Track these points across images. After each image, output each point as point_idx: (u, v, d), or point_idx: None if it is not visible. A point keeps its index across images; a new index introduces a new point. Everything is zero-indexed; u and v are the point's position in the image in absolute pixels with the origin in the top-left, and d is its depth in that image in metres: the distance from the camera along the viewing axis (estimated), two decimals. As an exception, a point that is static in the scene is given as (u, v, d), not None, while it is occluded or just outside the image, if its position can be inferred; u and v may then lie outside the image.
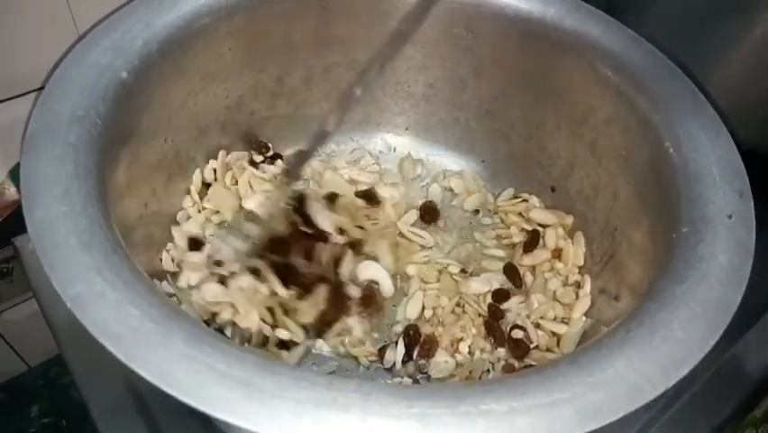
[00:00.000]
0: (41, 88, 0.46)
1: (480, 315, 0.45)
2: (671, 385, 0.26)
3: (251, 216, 0.46)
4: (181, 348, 0.24)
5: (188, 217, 0.46)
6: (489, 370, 0.43)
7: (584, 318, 0.43)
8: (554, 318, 0.44)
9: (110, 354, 0.41)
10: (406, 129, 0.55)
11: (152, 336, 0.25)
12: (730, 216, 0.33)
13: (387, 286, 0.46)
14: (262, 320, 0.41)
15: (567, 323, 0.43)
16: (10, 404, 0.63)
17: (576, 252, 0.46)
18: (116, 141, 0.36)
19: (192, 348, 0.24)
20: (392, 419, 0.23)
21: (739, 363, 0.45)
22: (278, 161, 0.51)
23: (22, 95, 0.46)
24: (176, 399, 0.41)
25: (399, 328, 0.45)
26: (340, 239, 0.46)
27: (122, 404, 0.40)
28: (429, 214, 0.51)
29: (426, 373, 0.43)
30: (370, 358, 0.43)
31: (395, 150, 0.56)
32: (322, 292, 0.43)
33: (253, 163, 0.50)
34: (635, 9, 0.52)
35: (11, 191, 0.49)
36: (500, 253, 0.49)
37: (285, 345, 0.42)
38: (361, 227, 0.48)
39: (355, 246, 0.47)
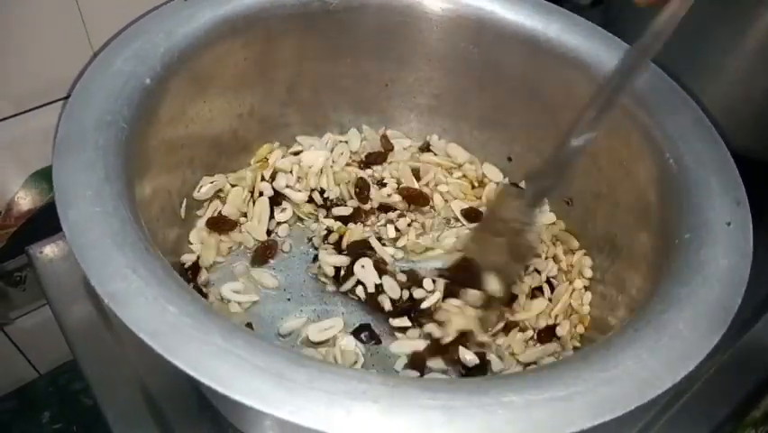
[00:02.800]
0: (51, 103, 0.47)
1: None
2: (678, 380, 0.27)
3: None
4: (218, 342, 0.26)
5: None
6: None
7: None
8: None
9: (125, 357, 0.42)
10: (411, 138, 0.57)
11: (189, 330, 0.26)
12: (729, 224, 0.34)
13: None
14: None
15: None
16: (21, 411, 0.64)
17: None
18: (140, 146, 0.37)
19: (228, 342, 0.26)
20: (417, 408, 0.25)
21: (738, 365, 0.46)
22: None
23: (31, 110, 0.47)
24: (188, 402, 0.42)
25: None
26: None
27: (135, 408, 0.41)
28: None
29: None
30: None
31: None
32: None
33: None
34: (630, 22, 0.54)
35: (25, 201, 0.50)
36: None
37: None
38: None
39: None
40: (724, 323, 0.30)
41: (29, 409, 0.64)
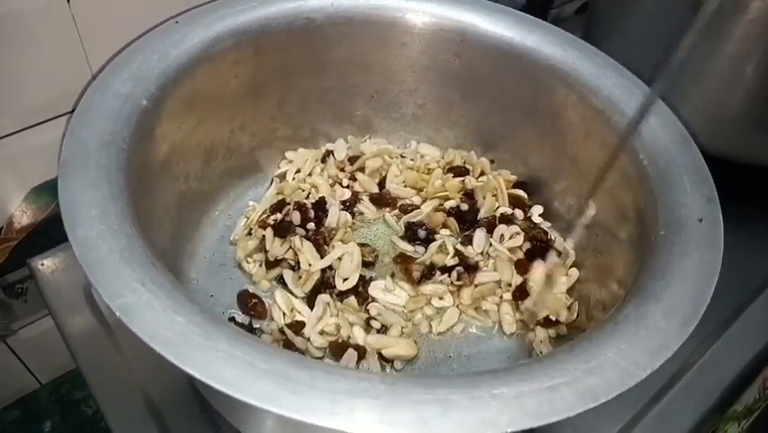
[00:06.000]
0: (50, 120, 0.48)
1: None
2: (656, 368, 0.29)
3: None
4: (225, 349, 0.27)
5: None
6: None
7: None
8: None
9: (126, 364, 0.43)
10: (397, 147, 0.59)
11: (198, 339, 0.27)
12: (701, 220, 0.36)
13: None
14: None
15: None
16: (23, 421, 0.65)
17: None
18: (139, 164, 0.38)
19: (234, 348, 0.27)
20: (416, 403, 0.26)
21: (719, 361, 0.48)
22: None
23: (31, 126, 0.48)
24: (188, 406, 0.43)
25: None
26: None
27: (137, 413, 0.43)
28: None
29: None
30: None
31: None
32: None
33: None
34: (610, 34, 0.56)
35: (26, 215, 0.51)
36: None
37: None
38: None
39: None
40: (698, 313, 0.32)
41: (31, 419, 0.65)
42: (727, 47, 0.50)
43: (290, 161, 0.55)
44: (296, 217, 0.49)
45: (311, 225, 0.50)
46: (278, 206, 0.51)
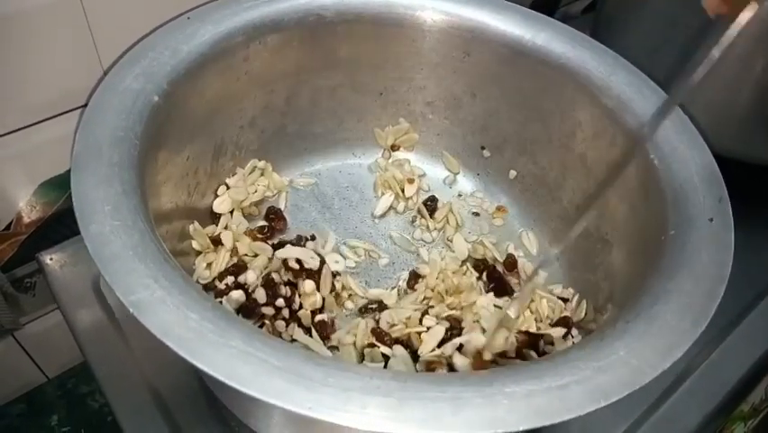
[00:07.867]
0: (59, 115, 0.48)
1: None
2: (667, 367, 0.29)
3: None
4: (239, 346, 0.27)
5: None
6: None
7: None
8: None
9: (134, 358, 0.44)
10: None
11: (211, 335, 0.27)
12: (711, 220, 0.36)
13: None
14: None
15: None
16: (30, 415, 0.65)
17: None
18: (151, 160, 0.39)
19: (248, 345, 0.27)
20: (428, 401, 0.26)
21: (725, 361, 0.48)
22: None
23: (39, 122, 0.48)
24: (196, 400, 0.44)
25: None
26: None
27: (145, 406, 0.43)
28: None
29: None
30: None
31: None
32: None
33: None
34: (618, 34, 0.56)
35: (35, 209, 0.51)
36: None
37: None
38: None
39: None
40: (708, 313, 0.32)
41: (38, 413, 0.65)
42: (736, 47, 0.50)
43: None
44: (260, 295, 0.43)
45: (280, 302, 0.43)
46: (235, 269, 0.45)
